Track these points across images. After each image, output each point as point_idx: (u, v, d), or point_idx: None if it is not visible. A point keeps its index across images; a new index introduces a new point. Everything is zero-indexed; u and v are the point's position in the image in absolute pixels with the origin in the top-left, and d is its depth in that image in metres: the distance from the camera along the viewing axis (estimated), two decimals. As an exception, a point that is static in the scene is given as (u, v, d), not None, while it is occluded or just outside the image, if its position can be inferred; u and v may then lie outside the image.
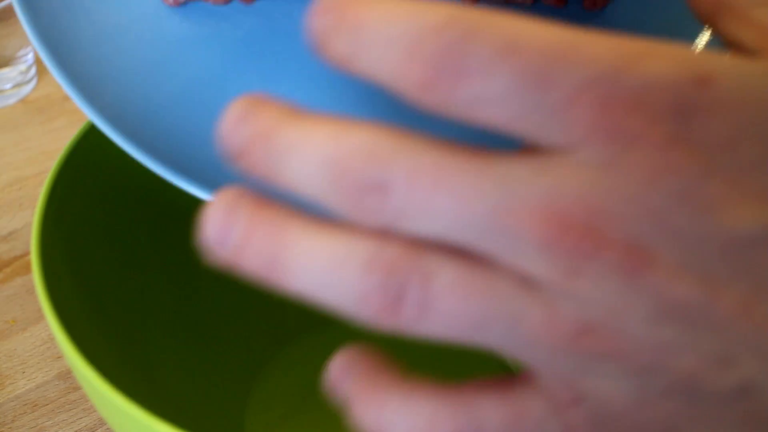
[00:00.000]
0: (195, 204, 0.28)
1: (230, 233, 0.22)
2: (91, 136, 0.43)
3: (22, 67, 0.70)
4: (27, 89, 0.71)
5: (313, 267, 0.22)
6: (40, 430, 0.49)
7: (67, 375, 0.51)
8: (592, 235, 0.20)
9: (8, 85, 0.69)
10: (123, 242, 0.45)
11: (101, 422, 0.48)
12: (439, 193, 0.21)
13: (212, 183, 0.34)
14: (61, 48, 0.37)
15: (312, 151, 0.22)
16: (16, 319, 0.55)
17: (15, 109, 0.70)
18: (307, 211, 0.23)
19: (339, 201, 0.21)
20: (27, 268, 0.57)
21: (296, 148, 0.22)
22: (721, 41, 0.26)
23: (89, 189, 0.43)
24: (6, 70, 0.69)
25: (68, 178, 0.42)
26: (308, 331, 0.50)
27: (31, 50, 0.70)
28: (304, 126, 0.22)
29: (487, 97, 0.20)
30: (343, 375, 0.24)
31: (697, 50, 0.21)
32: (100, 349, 0.40)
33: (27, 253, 0.58)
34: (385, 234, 0.21)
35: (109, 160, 0.45)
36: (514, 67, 0.20)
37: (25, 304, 0.55)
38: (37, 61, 0.73)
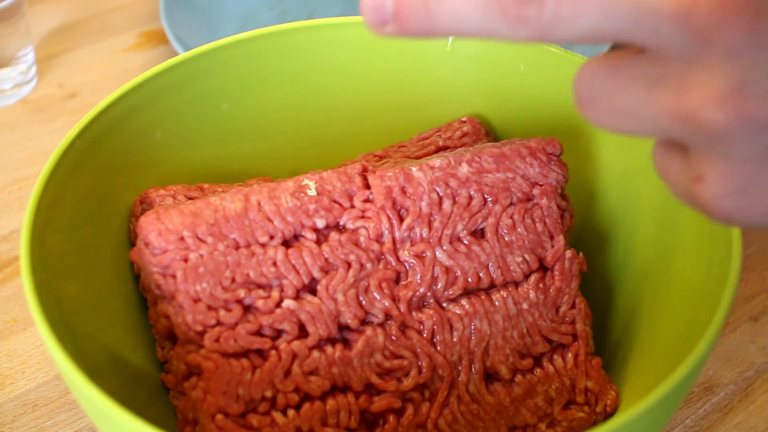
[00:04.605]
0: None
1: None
2: (83, 137, 0.44)
3: (22, 67, 0.70)
4: (27, 89, 0.71)
5: None
6: (40, 430, 0.49)
7: (66, 375, 0.51)
8: (718, 5, 0.24)
9: (8, 85, 0.69)
10: (115, 244, 0.46)
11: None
12: None
13: None
14: None
15: None
16: (16, 319, 0.55)
17: (15, 109, 0.70)
18: None
19: (501, 17, 0.26)
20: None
21: None
22: None
23: (81, 190, 0.44)
24: (6, 70, 0.69)
25: (59, 178, 0.42)
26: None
27: (31, 50, 0.70)
28: None
29: None
30: None
31: None
32: (93, 355, 0.40)
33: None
34: None
35: (101, 160, 0.45)
36: None
37: (25, 304, 0.55)
38: (37, 61, 0.73)
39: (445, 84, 0.51)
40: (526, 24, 0.26)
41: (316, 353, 0.40)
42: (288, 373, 0.40)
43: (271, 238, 0.41)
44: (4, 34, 0.67)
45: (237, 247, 0.40)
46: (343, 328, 0.41)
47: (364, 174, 0.43)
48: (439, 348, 0.42)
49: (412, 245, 0.42)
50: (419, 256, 0.42)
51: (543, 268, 0.44)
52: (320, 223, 0.41)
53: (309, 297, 0.41)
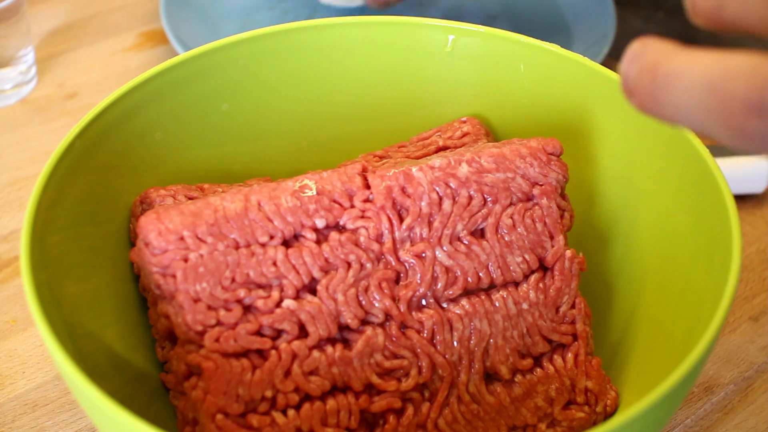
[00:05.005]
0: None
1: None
2: (83, 137, 0.44)
3: (22, 67, 0.70)
4: (27, 89, 0.71)
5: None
6: (40, 430, 0.49)
7: (66, 375, 0.51)
8: None
9: (8, 85, 0.70)
10: (115, 244, 0.46)
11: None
12: None
13: None
14: None
15: (696, 75, 0.24)
16: (16, 319, 0.55)
17: (15, 109, 0.70)
18: None
19: (723, 124, 0.23)
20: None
21: (680, 75, 0.24)
22: None
23: (81, 190, 0.44)
24: (6, 70, 0.69)
25: (59, 178, 0.42)
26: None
27: (31, 50, 0.70)
28: (686, 55, 0.24)
29: None
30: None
31: None
32: (93, 355, 0.40)
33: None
34: None
35: (101, 160, 0.45)
36: None
37: (25, 304, 0.55)
38: (37, 61, 0.73)
39: (445, 84, 0.51)
40: (751, 138, 0.23)
41: (316, 353, 0.40)
42: (288, 373, 0.40)
43: (271, 238, 0.41)
44: (4, 34, 0.67)
45: (237, 247, 0.40)
46: (343, 328, 0.41)
47: (364, 174, 0.43)
48: (439, 348, 0.42)
49: (412, 245, 0.42)
50: (419, 256, 0.42)
51: (543, 268, 0.44)
52: (320, 223, 0.41)
53: (309, 297, 0.41)
